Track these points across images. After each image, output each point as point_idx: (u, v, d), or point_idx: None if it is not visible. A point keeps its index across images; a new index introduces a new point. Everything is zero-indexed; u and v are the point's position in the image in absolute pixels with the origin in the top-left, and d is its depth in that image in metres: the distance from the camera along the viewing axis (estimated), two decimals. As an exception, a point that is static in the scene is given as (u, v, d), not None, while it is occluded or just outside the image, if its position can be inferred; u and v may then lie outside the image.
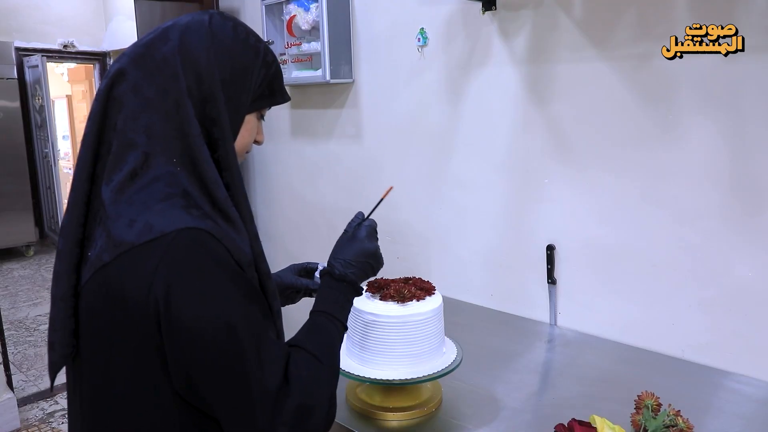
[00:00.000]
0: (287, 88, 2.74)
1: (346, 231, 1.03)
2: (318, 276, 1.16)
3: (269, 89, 0.88)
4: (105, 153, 0.77)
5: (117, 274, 0.71)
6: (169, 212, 0.72)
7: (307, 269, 1.17)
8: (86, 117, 0.79)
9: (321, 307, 0.91)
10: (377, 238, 1.03)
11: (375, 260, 1.00)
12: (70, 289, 0.75)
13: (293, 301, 1.17)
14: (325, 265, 1.01)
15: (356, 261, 0.97)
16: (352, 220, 1.05)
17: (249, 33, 0.85)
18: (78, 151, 0.78)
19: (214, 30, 0.80)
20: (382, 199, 1.12)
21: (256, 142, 0.91)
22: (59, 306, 0.75)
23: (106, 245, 0.72)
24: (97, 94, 0.78)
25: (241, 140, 0.86)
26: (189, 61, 0.77)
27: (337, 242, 1.01)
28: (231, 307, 0.72)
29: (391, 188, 1.12)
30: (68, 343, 0.76)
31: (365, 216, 1.06)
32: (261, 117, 0.90)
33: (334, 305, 0.92)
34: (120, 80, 0.77)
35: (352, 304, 0.96)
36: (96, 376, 0.76)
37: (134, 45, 0.80)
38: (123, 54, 0.79)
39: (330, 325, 0.89)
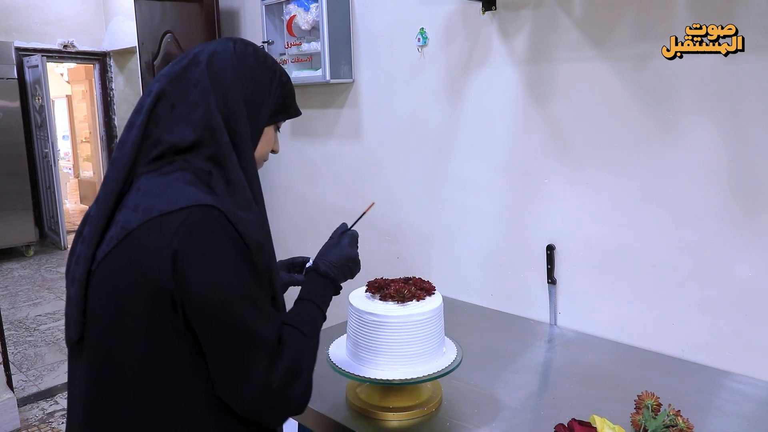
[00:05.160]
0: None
1: (331, 238, 1.16)
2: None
3: (284, 105, 1.02)
4: (143, 158, 0.89)
5: (141, 237, 0.82)
6: (192, 191, 0.85)
7: (293, 263, 1.26)
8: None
9: (306, 296, 1.03)
10: (357, 246, 1.16)
11: (354, 264, 1.13)
12: (86, 272, 0.85)
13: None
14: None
15: (338, 263, 1.09)
16: (336, 229, 1.18)
17: (267, 56, 0.99)
18: (114, 155, 0.90)
19: (237, 55, 0.95)
20: (364, 213, 1.23)
21: (273, 151, 1.05)
22: (77, 286, 0.86)
23: (132, 217, 0.84)
24: (141, 108, 0.90)
25: (260, 150, 1.00)
26: (217, 82, 0.91)
27: (323, 247, 1.14)
28: (236, 275, 0.84)
29: (373, 204, 1.26)
30: (80, 320, 0.86)
31: (348, 227, 1.19)
32: (277, 129, 1.05)
33: (317, 296, 1.04)
34: (162, 99, 0.90)
35: (331, 299, 1.07)
36: (104, 352, 0.85)
37: (171, 66, 0.94)
38: (162, 74, 0.93)
39: (313, 311, 1.01)
